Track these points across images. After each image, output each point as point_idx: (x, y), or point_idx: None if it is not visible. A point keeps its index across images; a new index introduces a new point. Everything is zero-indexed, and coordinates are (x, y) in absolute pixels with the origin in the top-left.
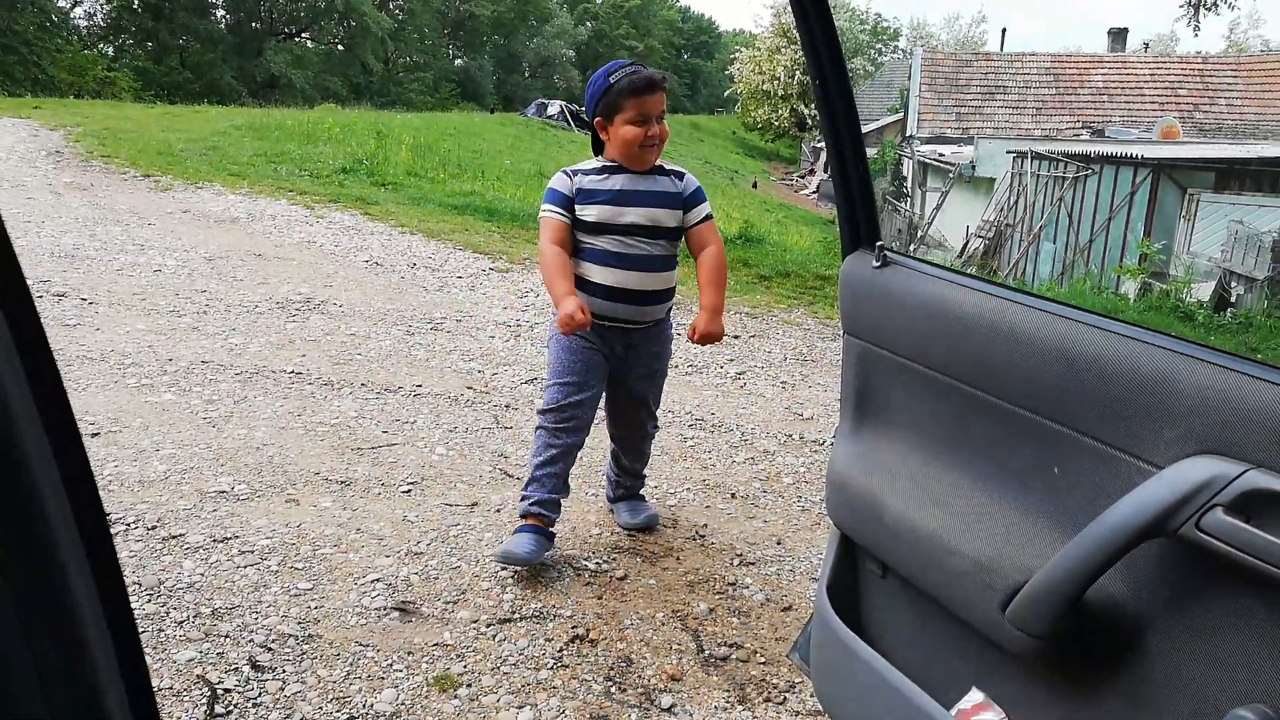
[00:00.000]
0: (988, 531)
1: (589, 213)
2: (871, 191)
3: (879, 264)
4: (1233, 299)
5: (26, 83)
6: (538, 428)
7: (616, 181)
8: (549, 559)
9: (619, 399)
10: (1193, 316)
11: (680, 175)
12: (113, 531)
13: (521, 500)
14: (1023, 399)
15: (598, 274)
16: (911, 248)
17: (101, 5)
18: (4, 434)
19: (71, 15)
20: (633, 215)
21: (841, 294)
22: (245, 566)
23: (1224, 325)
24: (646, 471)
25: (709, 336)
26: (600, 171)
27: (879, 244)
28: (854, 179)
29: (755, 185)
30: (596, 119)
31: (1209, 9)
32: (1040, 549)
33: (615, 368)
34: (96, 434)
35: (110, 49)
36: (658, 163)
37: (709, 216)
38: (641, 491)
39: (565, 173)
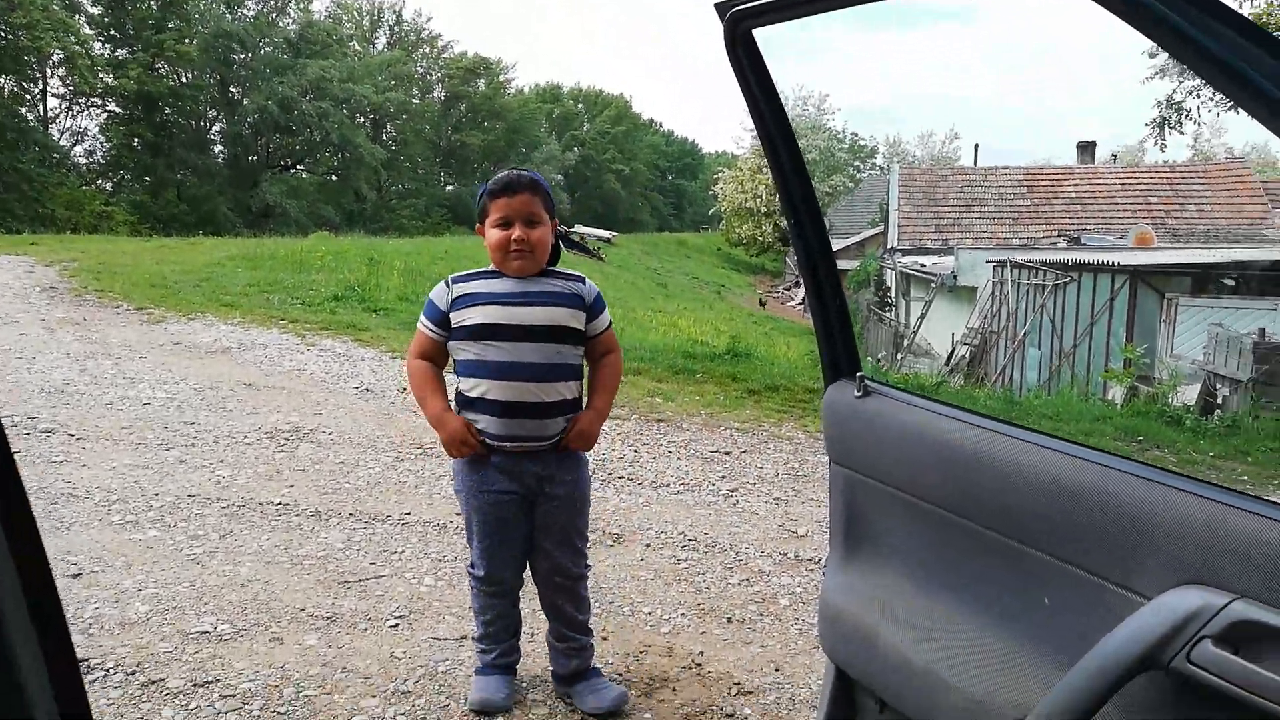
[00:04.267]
0: (980, 666)
1: (472, 317)
2: (850, 322)
3: (860, 394)
4: (1219, 401)
5: (26, 219)
6: (471, 585)
7: (504, 284)
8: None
9: (541, 540)
10: (1180, 421)
11: (581, 279)
12: (90, 678)
13: (480, 654)
14: (1008, 528)
15: (489, 389)
16: (899, 356)
17: (101, 144)
18: None
19: (72, 153)
20: (526, 316)
21: (825, 424)
22: (226, 712)
23: (1212, 429)
24: (594, 625)
25: (584, 435)
26: (488, 275)
27: (860, 375)
28: (832, 311)
29: (763, 304)
30: (478, 225)
31: (1173, 128)
32: (1034, 684)
33: (532, 503)
34: (78, 574)
35: (109, 184)
36: (556, 268)
37: (610, 324)
38: (595, 661)
39: (445, 282)
